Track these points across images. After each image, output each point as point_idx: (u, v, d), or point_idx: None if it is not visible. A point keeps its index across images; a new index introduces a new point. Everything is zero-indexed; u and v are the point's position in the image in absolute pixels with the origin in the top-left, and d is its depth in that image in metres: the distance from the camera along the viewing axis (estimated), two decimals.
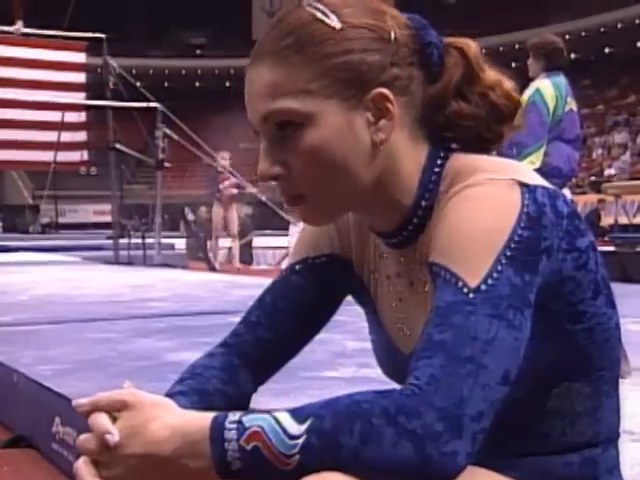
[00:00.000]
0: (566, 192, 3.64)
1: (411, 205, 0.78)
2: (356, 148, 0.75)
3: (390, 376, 0.89)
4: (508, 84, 0.80)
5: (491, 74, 0.80)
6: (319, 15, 0.74)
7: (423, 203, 0.78)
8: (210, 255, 9.36)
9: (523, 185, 0.72)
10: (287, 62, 0.74)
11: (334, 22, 0.74)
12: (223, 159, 9.27)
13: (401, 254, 0.82)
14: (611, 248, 8.74)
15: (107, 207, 12.38)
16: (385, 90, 0.75)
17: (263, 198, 9.14)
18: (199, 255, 10.80)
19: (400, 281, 0.83)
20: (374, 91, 0.74)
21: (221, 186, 9.00)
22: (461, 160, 0.77)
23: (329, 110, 0.74)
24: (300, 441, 0.63)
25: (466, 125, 0.79)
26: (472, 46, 0.81)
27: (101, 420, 0.68)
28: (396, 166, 0.77)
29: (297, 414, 0.65)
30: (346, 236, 0.89)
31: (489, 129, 0.79)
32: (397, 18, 0.78)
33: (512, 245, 0.69)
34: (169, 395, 0.80)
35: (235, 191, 9.39)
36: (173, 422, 0.67)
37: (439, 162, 0.78)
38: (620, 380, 0.81)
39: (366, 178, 0.76)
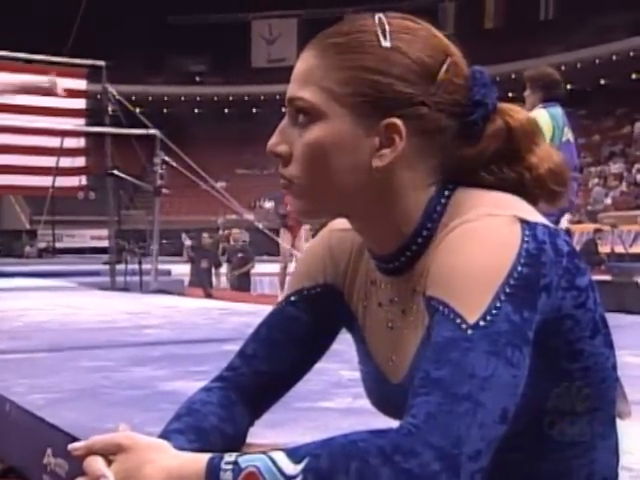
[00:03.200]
0: (564, 221, 3.62)
1: (411, 233, 0.78)
2: (352, 163, 0.75)
3: (378, 407, 0.88)
4: (556, 159, 0.79)
5: (540, 150, 0.79)
6: (377, 29, 0.76)
7: (424, 232, 0.78)
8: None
9: (523, 222, 0.72)
10: (327, 58, 0.76)
11: (385, 41, 0.76)
12: None
13: (394, 281, 0.82)
14: (608, 277, 8.74)
15: (105, 232, 12.37)
16: (399, 123, 0.75)
17: (260, 225, 9.11)
18: (203, 281, 10.67)
19: (392, 309, 0.83)
20: (388, 119, 0.75)
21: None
22: (466, 194, 0.77)
23: (340, 117, 0.75)
24: None
25: (502, 188, 0.78)
26: (521, 119, 0.80)
27: (96, 464, 0.67)
28: (395, 200, 0.77)
29: (293, 454, 0.64)
30: (341, 265, 0.88)
31: (526, 193, 0.78)
32: (457, 65, 0.78)
33: (511, 282, 0.69)
34: (166, 432, 0.79)
35: None
36: (168, 465, 0.66)
37: (446, 193, 0.78)
38: (619, 420, 0.80)
39: (356, 194, 0.77)
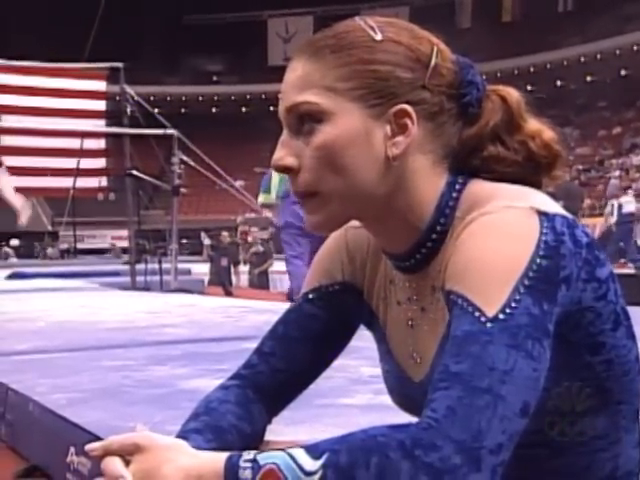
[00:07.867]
0: (629, 198, 3.48)
1: (426, 228, 0.78)
2: (368, 156, 0.75)
3: (400, 405, 0.87)
4: (549, 134, 0.80)
5: (533, 123, 0.81)
6: (364, 25, 0.77)
7: (438, 227, 0.77)
8: None
9: (541, 213, 0.71)
10: (321, 59, 0.76)
11: (376, 35, 0.76)
12: None
13: (412, 279, 0.81)
14: (631, 271, 8.64)
15: (125, 233, 12.47)
16: (408, 108, 0.75)
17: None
18: (223, 280, 10.74)
19: (411, 307, 0.82)
20: (397, 106, 0.75)
21: None
22: (479, 186, 0.77)
23: (349, 112, 0.75)
24: (316, 477, 0.62)
25: (503, 171, 0.79)
26: (514, 94, 0.81)
27: (114, 464, 0.67)
28: (411, 187, 0.77)
29: (312, 450, 0.63)
30: (358, 262, 0.88)
31: (526, 178, 0.79)
32: (443, 51, 0.79)
33: (530, 274, 0.68)
34: (184, 432, 0.78)
35: None
36: (186, 464, 0.66)
37: (457, 187, 0.77)
38: None
39: (376, 189, 0.76)
